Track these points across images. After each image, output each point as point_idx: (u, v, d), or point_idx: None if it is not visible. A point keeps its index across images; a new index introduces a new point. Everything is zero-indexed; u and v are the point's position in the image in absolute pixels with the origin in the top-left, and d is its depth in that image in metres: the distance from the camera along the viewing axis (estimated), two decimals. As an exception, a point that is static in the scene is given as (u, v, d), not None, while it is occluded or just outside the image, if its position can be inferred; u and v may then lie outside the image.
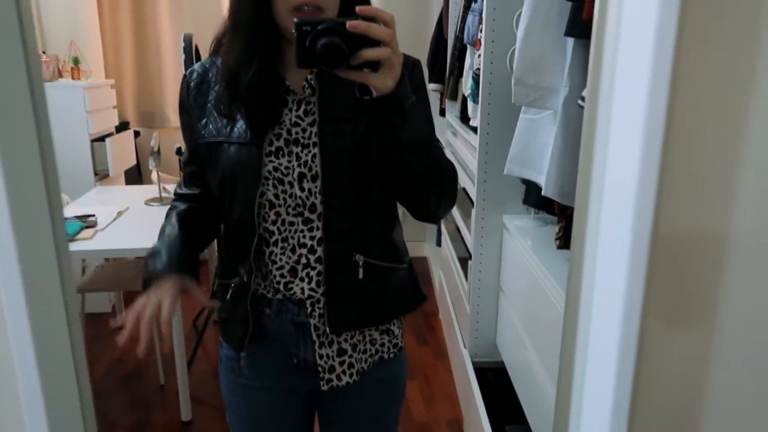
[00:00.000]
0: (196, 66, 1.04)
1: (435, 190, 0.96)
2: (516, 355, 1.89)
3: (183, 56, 2.41)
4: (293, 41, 0.80)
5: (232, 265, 1.05)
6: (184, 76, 1.04)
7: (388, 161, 0.93)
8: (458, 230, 2.64)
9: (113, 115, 3.42)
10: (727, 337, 0.53)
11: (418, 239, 3.93)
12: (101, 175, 3.17)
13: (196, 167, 1.08)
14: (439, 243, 3.40)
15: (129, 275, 2.67)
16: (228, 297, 1.07)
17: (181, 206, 1.11)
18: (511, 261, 1.96)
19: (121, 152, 3.33)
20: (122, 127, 3.60)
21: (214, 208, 1.08)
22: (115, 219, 2.42)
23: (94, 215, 2.39)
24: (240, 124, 0.96)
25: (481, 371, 2.11)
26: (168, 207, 1.14)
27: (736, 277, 0.52)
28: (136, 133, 3.80)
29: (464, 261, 2.37)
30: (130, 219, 2.43)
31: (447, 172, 0.97)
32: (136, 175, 3.82)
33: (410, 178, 0.94)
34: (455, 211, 2.62)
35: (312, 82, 0.96)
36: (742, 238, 0.51)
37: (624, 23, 0.43)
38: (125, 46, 3.81)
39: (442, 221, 3.19)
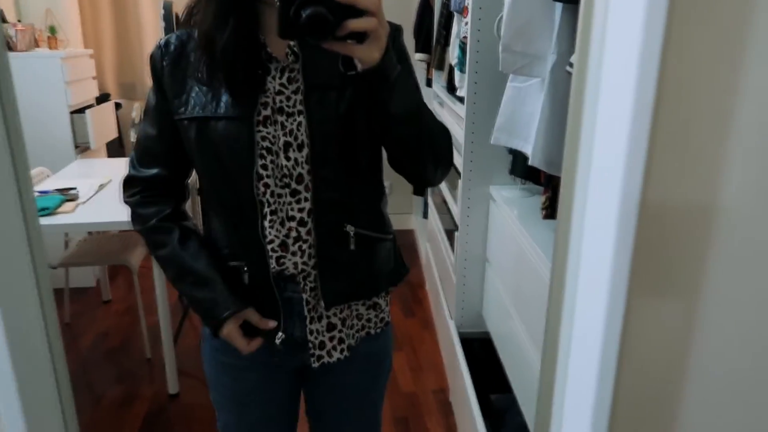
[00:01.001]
0: (171, 38, 0.98)
1: (431, 156, 0.94)
2: (501, 325, 1.90)
3: (163, 24, 2.35)
4: (272, 3, 0.77)
5: (234, 248, 1.01)
6: (158, 46, 0.97)
7: (380, 133, 0.92)
8: (445, 202, 2.64)
9: (93, 86, 3.34)
10: (711, 308, 0.53)
11: (405, 211, 3.92)
12: (82, 148, 3.11)
13: (160, 147, 1.00)
14: (425, 215, 3.39)
15: (113, 248, 2.64)
16: (246, 281, 1.01)
17: (166, 210, 1.03)
18: (498, 232, 1.96)
19: (102, 124, 3.26)
20: (103, 98, 3.52)
21: (177, 188, 1.05)
22: (97, 192, 2.38)
23: (75, 188, 2.34)
24: (225, 98, 0.92)
25: (467, 341, 2.12)
26: (137, 205, 1.04)
27: (722, 247, 0.51)
28: (117, 105, 3.72)
29: (451, 233, 2.36)
30: (112, 192, 2.39)
31: (440, 137, 0.96)
32: (117, 147, 3.76)
33: (404, 148, 0.92)
34: (442, 183, 2.61)
35: (295, 49, 0.93)
36: (730, 209, 0.51)
37: None
38: (104, 15, 3.71)
39: (429, 193, 3.18)
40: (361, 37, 0.78)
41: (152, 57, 0.98)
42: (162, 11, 2.37)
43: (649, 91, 0.46)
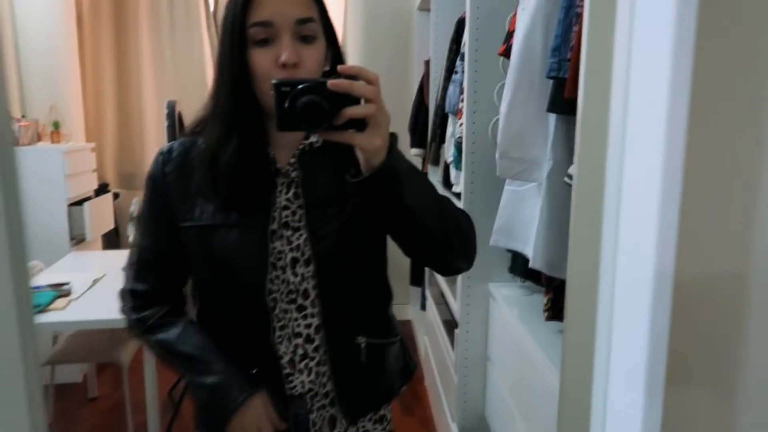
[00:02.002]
0: (174, 144, 0.98)
1: (460, 245, 0.90)
2: (507, 429, 1.83)
3: (166, 122, 2.41)
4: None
5: (239, 359, 0.97)
6: (161, 153, 0.97)
7: (403, 230, 0.88)
8: (442, 294, 2.61)
9: (92, 179, 3.38)
10: (750, 391, 0.50)
11: (401, 302, 3.88)
12: (77, 239, 3.10)
13: (155, 256, 0.99)
14: (423, 307, 3.35)
15: (103, 345, 2.57)
16: None
17: (164, 309, 1.00)
18: (499, 330, 1.93)
19: (99, 216, 3.28)
20: (101, 188, 3.56)
21: (174, 296, 1.02)
22: (90, 287, 2.34)
23: (68, 283, 2.31)
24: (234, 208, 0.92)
25: (469, 445, 2.04)
26: (132, 312, 1.00)
27: (757, 320, 0.49)
28: (116, 195, 3.76)
29: (450, 326, 2.32)
30: (105, 287, 2.36)
31: (465, 220, 0.93)
32: (113, 238, 3.75)
33: (430, 240, 0.88)
34: (439, 276, 2.60)
35: (295, 164, 0.94)
36: (762, 281, 0.49)
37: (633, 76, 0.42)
38: (107, 109, 3.82)
39: (426, 284, 3.15)
40: (360, 125, 0.76)
41: (154, 163, 0.97)
42: (166, 110, 2.45)
43: (677, 166, 0.45)
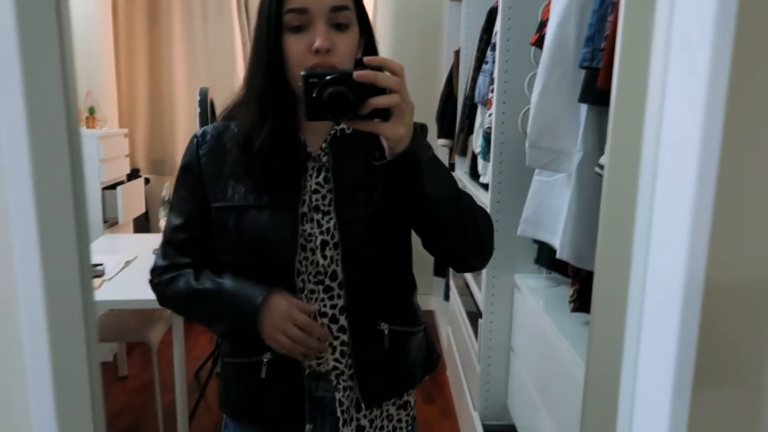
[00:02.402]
0: (208, 128, 1.01)
1: (475, 241, 0.93)
2: (528, 418, 1.84)
3: (198, 109, 2.45)
4: None
5: (258, 338, 0.97)
6: (195, 136, 1.00)
7: (421, 220, 0.91)
8: (467, 285, 2.62)
9: (125, 164, 3.46)
10: None
11: (425, 292, 3.89)
12: (110, 223, 3.18)
13: (190, 234, 1.00)
14: (447, 297, 3.36)
15: (133, 325, 2.64)
16: (263, 374, 0.98)
17: (188, 267, 1.00)
18: (523, 321, 1.93)
19: (131, 200, 3.35)
20: (133, 174, 3.64)
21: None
22: (123, 268, 2.41)
23: (101, 264, 2.38)
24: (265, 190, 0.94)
25: (491, 434, 2.05)
26: (159, 277, 1.01)
27: None
28: (146, 180, 3.84)
29: (473, 316, 2.34)
30: (136, 268, 2.42)
31: (483, 220, 0.95)
32: (144, 223, 3.83)
33: (447, 233, 0.91)
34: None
35: (326, 149, 0.96)
36: None
37: (669, 84, 0.43)
38: (139, 96, 3.89)
39: (451, 275, 3.16)
40: (385, 114, 0.79)
41: (189, 146, 1.00)
42: (198, 97, 2.49)
43: (713, 162, 0.45)
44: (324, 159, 0.96)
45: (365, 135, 0.82)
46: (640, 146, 0.73)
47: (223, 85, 3.65)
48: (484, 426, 2.09)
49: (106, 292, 2.17)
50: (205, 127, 1.03)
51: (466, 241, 0.92)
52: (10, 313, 0.49)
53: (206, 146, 0.99)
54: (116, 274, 2.34)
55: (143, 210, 3.62)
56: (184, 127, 3.92)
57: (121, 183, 3.29)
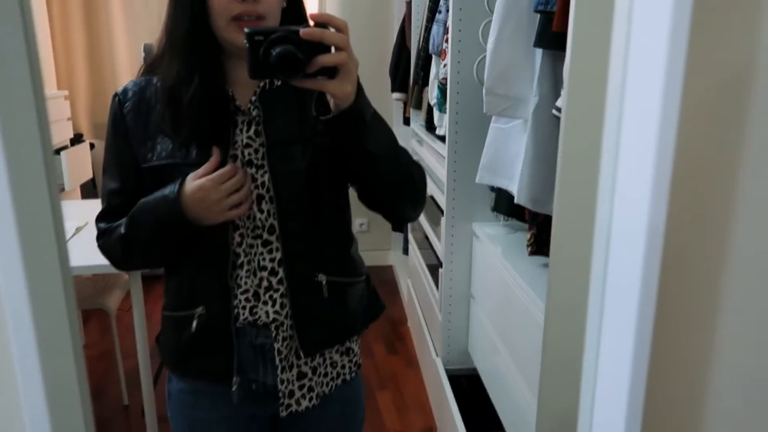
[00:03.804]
0: (129, 85, 0.98)
1: (410, 192, 0.96)
2: (489, 361, 1.91)
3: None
4: (237, 54, 0.78)
5: (193, 293, 0.99)
6: (116, 95, 0.96)
7: (359, 174, 0.93)
8: (426, 238, 2.66)
9: (68, 128, 3.30)
10: (728, 336, 0.54)
11: (383, 248, 3.93)
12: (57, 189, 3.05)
13: (126, 198, 0.97)
14: (406, 251, 3.41)
15: (88, 292, 2.58)
16: (193, 328, 0.98)
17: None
18: (482, 268, 1.98)
19: (77, 165, 3.22)
20: (76, 139, 3.48)
21: None
22: (74, 235, 2.33)
23: (50, 231, 2.29)
24: (195, 146, 0.92)
25: (454, 379, 2.12)
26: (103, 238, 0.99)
27: (737, 272, 0.53)
28: (91, 146, 3.68)
29: (434, 269, 2.38)
30: (88, 235, 2.35)
31: (416, 172, 0.98)
32: (91, 188, 3.70)
33: (384, 187, 0.94)
34: (423, 220, 2.64)
35: (256, 103, 0.94)
36: (744, 221, 0.52)
37: (635, 28, 0.43)
38: (78, 56, 3.69)
39: (409, 229, 3.20)
40: (331, 72, 0.79)
41: (111, 105, 0.97)
42: (143, 53, 2.38)
43: (675, 102, 0.45)
44: (254, 113, 0.94)
45: (295, 88, 0.81)
46: (599, 86, 0.74)
47: (167, 43, 3.50)
48: (447, 371, 2.16)
49: (57, 259, 2.10)
50: (125, 84, 0.99)
51: (402, 194, 0.95)
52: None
53: (129, 103, 0.96)
54: (67, 240, 2.26)
55: (90, 176, 3.48)
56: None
57: (64, 148, 3.15)
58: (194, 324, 0.99)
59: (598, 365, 0.47)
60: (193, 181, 0.90)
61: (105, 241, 1.00)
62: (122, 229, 0.96)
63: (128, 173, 0.97)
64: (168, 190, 0.91)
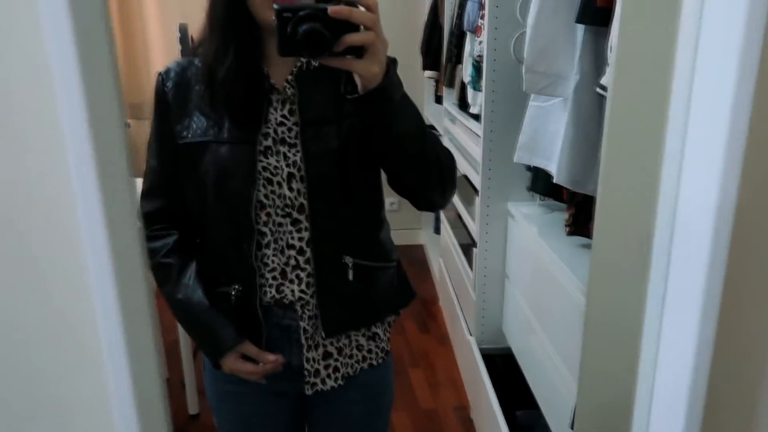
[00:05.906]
0: (171, 64, 1.01)
1: (437, 180, 0.95)
2: (524, 340, 1.91)
3: (179, 47, 2.37)
4: (272, 32, 0.78)
5: (218, 272, 1.02)
6: (159, 74, 1.00)
7: (386, 156, 0.93)
8: (459, 217, 2.65)
9: (104, 108, 3.36)
10: None
11: (414, 227, 3.93)
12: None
13: (161, 178, 1.02)
14: (437, 230, 3.41)
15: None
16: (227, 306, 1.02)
17: (170, 243, 1.03)
18: (518, 248, 1.98)
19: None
20: (113, 119, 3.55)
21: (184, 218, 1.04)
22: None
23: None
24: (228, 124, 0.94)
25: (488, 358, 2.13)
26: (146, 240, 1.03)
27: None
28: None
29: (467, 248, 2.38)
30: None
31: (446, 160, 0.97)
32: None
33: (410, 170, 0.93)
34: (456, 199, 2.63)
35: (292, 82, 0.95)
36: None
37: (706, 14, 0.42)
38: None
39: (442, 210, 3.19)
40: (359, 52, 0.78)
41: (156, 84, 1.00)
42: (178, 33, 2.40)
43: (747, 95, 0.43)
44: (289, 92, 0.95)
45: (332, 69, 0.82)
46: (650, 63, 0.72)
47: (198, 21, 3.51)
48: (481, 350, 2.17)
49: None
50: (168, 63, 1.02)
51: (428, 180, 0.94)
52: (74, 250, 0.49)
53: (171, 82, 0.99)
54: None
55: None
56: (162, 67, 3.80)
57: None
58: (232, 302, 1.01)
59: (658, 353, 0.47)
60: (240, 363, 1.01)
61: (153, 267, 1.04)
62: (169, 294, 1.03)
63: (166, 150, 0.99)
64: (219, 343, 1.01)
